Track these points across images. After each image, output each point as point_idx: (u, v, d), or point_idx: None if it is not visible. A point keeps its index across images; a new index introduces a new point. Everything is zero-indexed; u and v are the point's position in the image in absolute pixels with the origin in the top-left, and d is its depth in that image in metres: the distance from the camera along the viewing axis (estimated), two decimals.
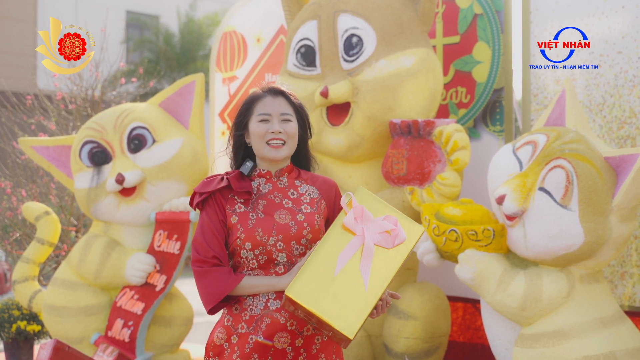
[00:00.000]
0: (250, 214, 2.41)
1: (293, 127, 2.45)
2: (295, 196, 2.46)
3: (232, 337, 2.39)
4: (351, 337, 2.18)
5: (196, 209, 2.48)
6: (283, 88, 2.50)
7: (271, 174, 2.49)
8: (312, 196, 2.48)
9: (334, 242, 2.27)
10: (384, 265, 2.25)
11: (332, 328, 2.19)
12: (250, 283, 2.37)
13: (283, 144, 2.43)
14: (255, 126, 2.44)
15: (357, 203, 2.31)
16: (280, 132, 2.42)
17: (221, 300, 2.39)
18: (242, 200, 2.43)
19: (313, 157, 2.61)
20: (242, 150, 2.52)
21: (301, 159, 2.57)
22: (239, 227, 2.39)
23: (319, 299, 2.19)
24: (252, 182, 2.48)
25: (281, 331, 2.35)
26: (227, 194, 2.44)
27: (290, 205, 2.43)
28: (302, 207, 2.44)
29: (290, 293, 2.20)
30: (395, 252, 2.27)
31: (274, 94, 2.48)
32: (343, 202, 2.33)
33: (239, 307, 2.39)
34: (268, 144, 2.43)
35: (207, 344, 2.47)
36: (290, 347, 2.35)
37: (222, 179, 2.45)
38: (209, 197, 2.44)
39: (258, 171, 2.50)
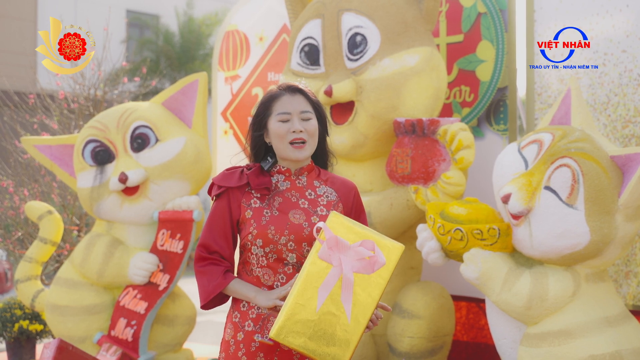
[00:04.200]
0: (265, 210, 2.39)
1: (313, 124, 2.42)
2: (312, 197, 2.44)
3: (238, 334, 2.39)
4: None
5: (213, 198, 2.46)
6: (300, 86, 2.46)
7: (290, 172, 2.46)
8: (329, 198, 2.46)
9: (313, 275, 2.19)
10: (366, 292, 2.20)
11: None
12: (234, 288, 2.38)
13: (304, 143, 2.40)
14: (275, 126, 2.40)
15: (331, 233, 2.21)
16: (301, 131, 2.39)
17: (217, 298, 2.41)
18: (259, 195, 2.42)
19: (332, 153, 2.58)
20: (262, 151, 2.48)
21: (319, 156, 2.54)
22: (252, 222, 2.38)
23: (304, 338, 2.16)
24: (272, 178, 2.45)
25: None
26: (245, 188, 2.43)
27: (306, 205, 2.41)
28: (318, 208, 2.41)
29: (276, 337, 2.17)
30: (377, 277, 2.21)
31: (292, 92, 2.44)
32: (315, 234, 2.25)
33: (246, 304, 2.39)
34: (291, 144, 2.39)
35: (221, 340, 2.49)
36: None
37: (242, 172, 2.43)
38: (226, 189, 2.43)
39: (278, 167, 2.47)
